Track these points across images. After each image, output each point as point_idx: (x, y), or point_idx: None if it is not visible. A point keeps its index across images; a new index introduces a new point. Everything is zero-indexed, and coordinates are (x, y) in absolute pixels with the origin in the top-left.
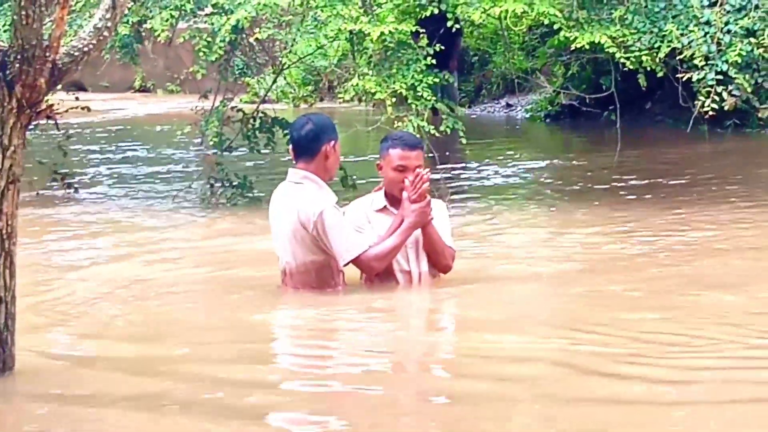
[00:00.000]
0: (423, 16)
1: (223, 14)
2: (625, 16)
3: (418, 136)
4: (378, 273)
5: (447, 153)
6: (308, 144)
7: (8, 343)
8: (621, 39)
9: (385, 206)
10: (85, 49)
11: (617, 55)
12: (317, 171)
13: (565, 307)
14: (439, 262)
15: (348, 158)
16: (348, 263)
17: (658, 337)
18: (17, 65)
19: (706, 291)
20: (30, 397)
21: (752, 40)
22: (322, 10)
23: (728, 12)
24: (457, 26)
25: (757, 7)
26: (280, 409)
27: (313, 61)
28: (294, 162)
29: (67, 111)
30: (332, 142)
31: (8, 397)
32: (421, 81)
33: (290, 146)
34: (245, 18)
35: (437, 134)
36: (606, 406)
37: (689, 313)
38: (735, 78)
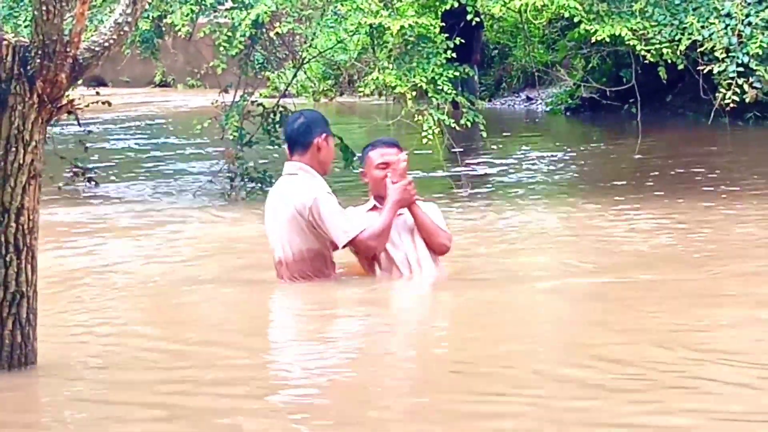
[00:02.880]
0: (443, 10)
1: (243, 9)
2: (646, 9)
3: (437, 130)
4: (376, 256)
5: (467, 147)
6: (300, 137)
7: (30, 337)
8: (641, 31)
9: (374, 206)
10: (106, 44)
11: (638, 48)
12: (311, 163)
13: (574, 322)
14: (433, 242)
15: None
16: (346, 244)
17: (689, 380)
18: (38, 61)
19: (737, 305)
20: (51, 392)
21: None
22: (341, 4)
23: (749, 4)
24: (477, 20)
25: None
26: (300, 410)
27: (333, 55)
28: (289, 156)
29: (88, 106)
30: (324, 135)
31: (30, 391)
32: (442, 74)
33: (285, 142)
34: (265, 12)
35: (458, 128)
36: None
37: (722, 333)
38: (756, 70)
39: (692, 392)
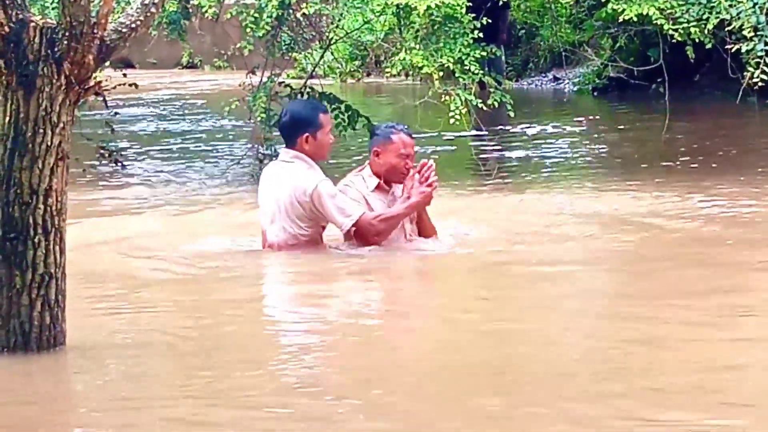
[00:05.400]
0: None
1: None
2: None
3: (464, 110)
4: (377, 240)
5: (494, 127)
6: (286, 133)
7: (59, 319)
8: (669, 10)
9: (379, 183)
10: (133, 25)
11: (665, 27)
12: (305, 153)
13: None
14: (427, 235)
15: None
16: (351, 227)
17: None
18: (65, 42)
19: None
20: (79, 373)
21: None
22: None
23: None
24: None
25: None
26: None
27: (359, 36)
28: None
29: (115, 88)
30: (305, 136)
31: (58, 373)
32: (469, 55)
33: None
34: None
35: (485, 108)
36: None
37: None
38: None
39: None
